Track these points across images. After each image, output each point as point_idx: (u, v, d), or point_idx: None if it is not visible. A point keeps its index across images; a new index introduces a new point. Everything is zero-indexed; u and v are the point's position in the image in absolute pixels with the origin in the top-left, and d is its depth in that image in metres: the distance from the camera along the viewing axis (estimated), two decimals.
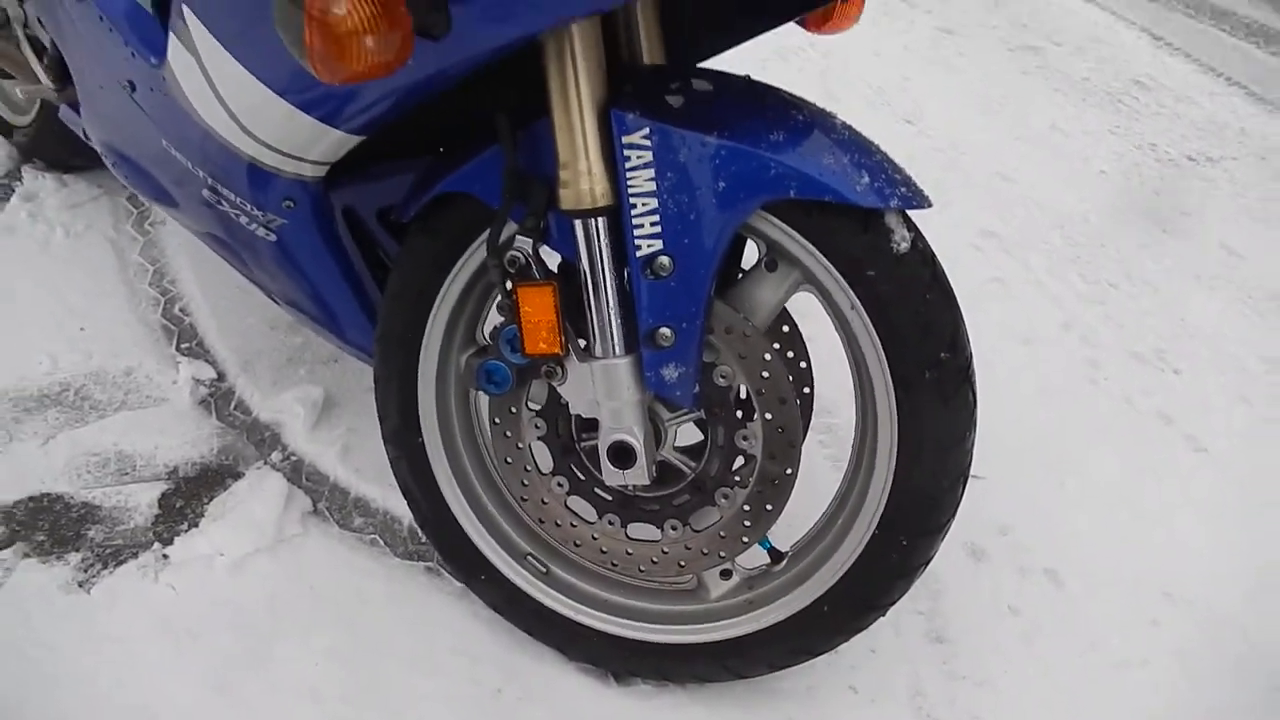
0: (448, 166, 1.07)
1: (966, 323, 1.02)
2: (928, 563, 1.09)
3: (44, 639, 1.23)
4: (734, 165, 0.92)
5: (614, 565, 1.19)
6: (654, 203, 0.95)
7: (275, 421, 1.57)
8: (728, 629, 1.18)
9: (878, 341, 1.00)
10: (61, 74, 1.44)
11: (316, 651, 1.27)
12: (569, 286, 1.02)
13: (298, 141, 1.06)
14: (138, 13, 1.15)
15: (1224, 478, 1.67)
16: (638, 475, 1.06)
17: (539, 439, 1.17)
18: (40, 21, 1.49)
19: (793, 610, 1.14)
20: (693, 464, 1.15)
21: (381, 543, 1.42)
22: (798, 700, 1.27)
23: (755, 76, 1.05)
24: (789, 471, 1.09)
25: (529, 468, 1.17)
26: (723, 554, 1.14)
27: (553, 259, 1.05)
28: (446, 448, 1.21)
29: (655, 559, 1.16)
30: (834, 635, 1.15)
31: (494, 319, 1.12)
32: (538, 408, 1.16)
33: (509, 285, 1.02)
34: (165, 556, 1.34)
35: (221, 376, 1.65)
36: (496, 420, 1.16)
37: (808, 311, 1.18)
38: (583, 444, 1.18)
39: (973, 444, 1.04)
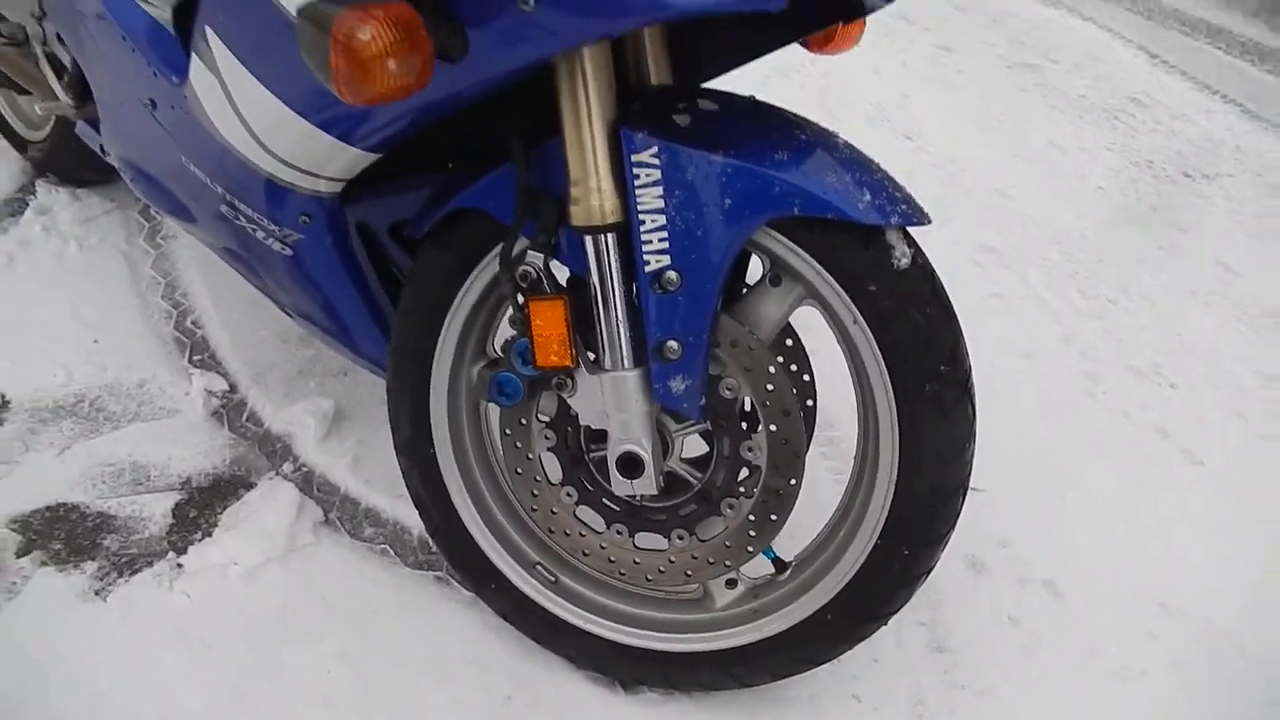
0: (461, 183, 1.10)
1: (966, 337, 1.04)
2: (929, 572, 1.11)
3: (61, 646, 1.25)
4: (740, 183, 0.95)
5: (621, 574, 1.21)
6: (662, 219, 0.97)
7: (286, 433, 1.59)
8: (733, 637, 1.20)
9: (879, 355, 1.02)
10: (81, 91, 1.47)
11: (328, 659, 1.28)
12: (579, 300, 1.04)
13: (315, 158, 1.09)
14: (159, 32, 1.18)
15: (1220, 491, 1.69)
16: (646, 485, 1.08)
17: (549, 450, 1.19)
18: (60, 40, 1.52)
19: (797, 619, 1.16)
20: (699, 475, 1.17)
21: (392, 552, 1.44)
22: (801, 708, 1.29)
23: (757, 94, 1.07)
24: (793, 482, 1.11)
25: (539, 478, 1.20)
26: (728, 563, 1.16)
27: (562, 273, 1.08)
28: (458, 458, 1.24)
29: (662, 568, 1.18)
30: (837, 644, 1.17)
31: (505, 332, 1.15)
32: (547, 419, 1.18)
33: (521, 299, 1.04)
34: (180, 565, 1.36)
35: (233, 388, 1.67)
36: (507, 431, 1.18)
37: (810, 325, 1.21)
38: (591, 455, 1.20)
39: (972, 455, 1.07)
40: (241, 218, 1.24)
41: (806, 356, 1.28)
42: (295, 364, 1.72)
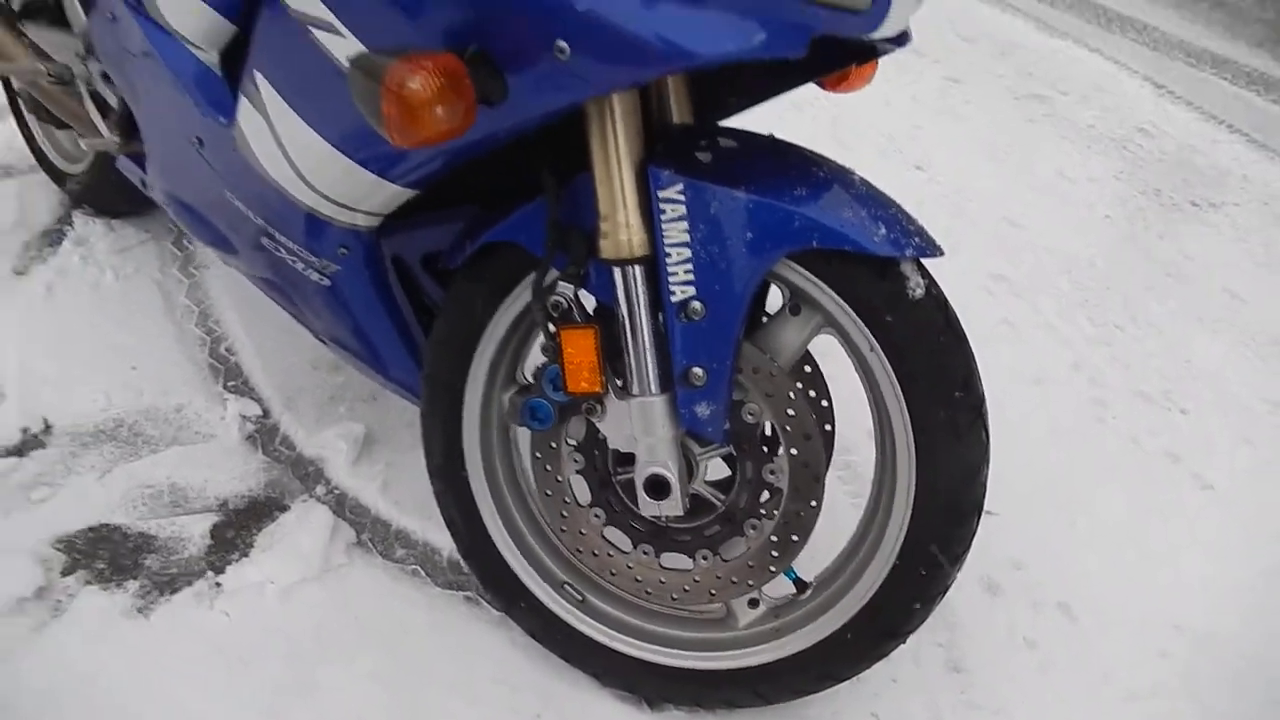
0: (493, 218, 1.15)
1: (978, 363, 1.08)
2: (945, 592, 1.15)
3: (106, 661, 1.30)
4: (761, 217, 0.99)
5: (648, 594, 1.24)
6: (687, 252, 1.02)
7: (319, 457, 1.64)
8: (756, 655, 1.23)
9: (895, 381, 1.06)
10: (127, 129, 1.53)
11: (361, 679, 1.32)
12: (607, 329, 1.09)
13: (355, 194, 1.15)
14: (207, 75, 1.24)
15: (1230, 515, 1.71)
16: (672, 506, 1.12)
17: (577, 472, 1.23)
18: (105, 79, 1.59)
19: (818, 638, 1.19)
20: (722, 496, 1.21)
21: (422, 573, 1.48)
22: None
23: (773, 127, 1.12)
24: (813, 504, 1.15)
25: (568, 500, 1.24)
26: (751, 583, 1.20)
27: (589, 301, 1.12)
28: (489, 482, 1.28)
29: (687, 587, 1.22)
30: (857, 662, 1.21)
31: (534, 359, 1.19)
32: (576, 443, 1.22)
33: (552, 328, 1.09)
34: (218, 584, 1.41)
35: (266, 413, 1.73)
36: (537, 455, 1.23)
37: (828, 353, 1.25)
38: (619, 477, 1.24)
39: (987, 477, 1.10)
40: (281, 249, 1.30)
41: (825, 383, 1.32)
42: (326, 389, 1.77)
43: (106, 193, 2.10)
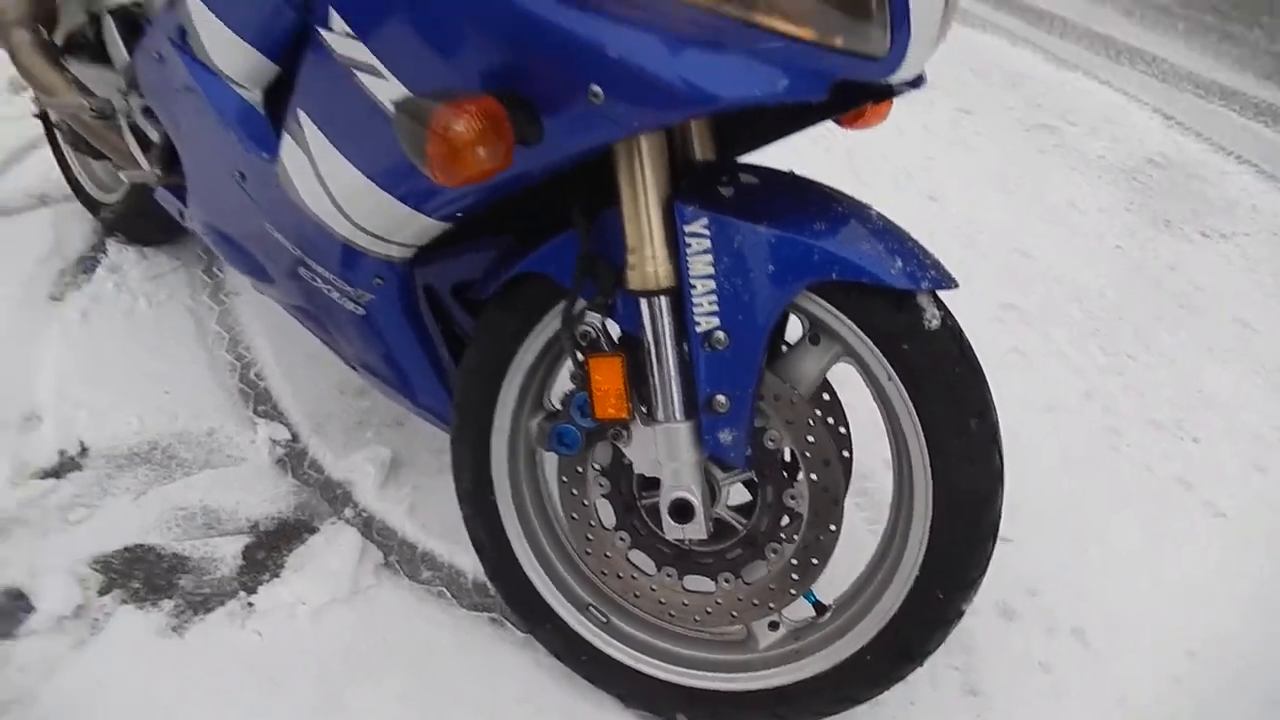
0: (524, 249, 1.19)
1: (992, 391, 1.11)
2: (962, 615, 1.17)
3: (143, 680, 1.33)
4: (783, 251, 1.03)
5: (671, 615, 1.27)
6: (712, 284, 1.05)
7: (347, 480, 1.68)
8: (776, 677, 1.25)
9: (912, 409, 1.09)
10: (167, 161, 1.59)
11: (389, 700, 1.35)
12: (633, 357, 1.12)
13: (392, 226, 1.19)
14: (250, 113, 1.30)
15: (1242, 542, 1.73)
16: (696, 530, 1.15)
17: (603, 496, 1.26)
18: (145, 113, 1.65)
19: (837, 660, 1.22)
20: (744, 520, 1.24)
21: (448, 594, 1.52)
22: None
23: (790, 159, 1.16)
24: (832, 528, 1.18)
25: (593, 523, 1.27)
26: (772, 605, 1.23)
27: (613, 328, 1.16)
28: (516, 505, 1.32)
29: (709, 609, 1.25)
30: (875, 684, 1.23)
31: (560, 385, 1.23)
32: (601, 467, 1.25)
33: (581, 356, 1.13)
34: (250, 605, 1.45)
35: (295, 437, 1.77)
36: (564, 479, 1.26)
37: (845, 381, 1.29)
38: (643, 501, 1.27)
39: (1001, 503, 1.12)
40: (317, 279, 1.35)
41: (843, 410, 1.35)
42: (353, 414, 1.82)
43: (139, 222, 2.17)
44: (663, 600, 1.27)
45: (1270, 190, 3.03)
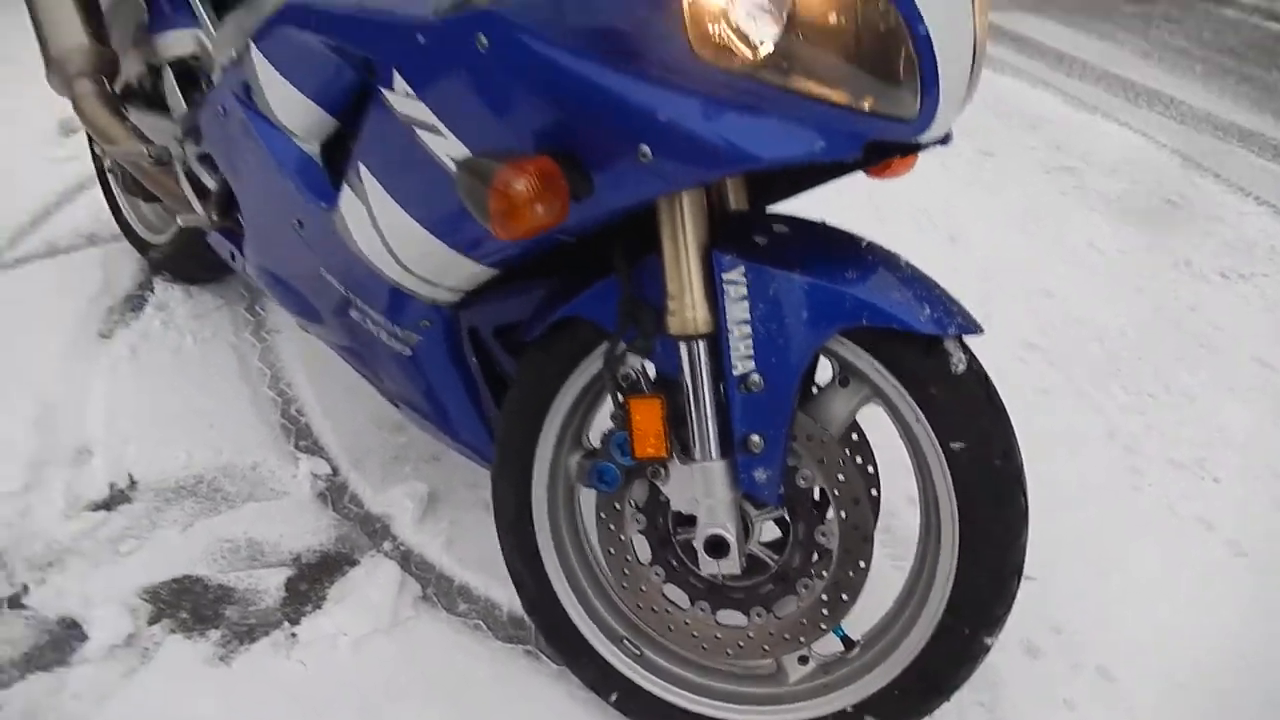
0: (567, 294, 1.25)
1: (1016, 431, 1.15)
2: (987, 651, 1.20)
3: (191, 708, 1.38)
4: (816, 298, 1.08)
5: (704, 649, 1.30)
6: (748, 329, 1.10)
7: (386, 514, 1.73)
8: (805, 710, 1.28)
9: (939, 450, 1.13)
10: (224, 207, 1.67)
11: None
12: (671, 398, 1.17)
13: (443, 272, 1.25)
14: (309, 164, 1.37)
15: (1266, 581, 1.75)
16: (730, 565, 1.19)
17: (639, 532, 1.30)
18: (200, 161, 1.73)
19: (865, 694, 1.25)
20: (776, 556, 1.28)
21: (484, 627, 1.55)
22: None
23: (814, 198, 1.21)
24: (862, 564, 1.21)
25: (629, 558, 1.31)
26: (802, 639, 1.26)
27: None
28: (555, 540, 1.36)
29: (741, 643, 1.28)
30: (903, 718, 1.26)
31: (599, 424, 1.28)
32: (638, 504, 1.30)
33: (621, 397, 1.18)
34: (294, 635, 1.49)
35: (335, 471, 1.82)
36: (601, 515, 1.31)
37: (873, 423, 1.33)
38: (678, 537, 1.31)
39: (1026, 542, 1.16)
40: (368, 320, 1.41)
41: (871, 450, 1.39)
42: (390, 449, 1.87)
43: (186, 262, 2.25)
44: (696, 634, 1.31)
45: None
